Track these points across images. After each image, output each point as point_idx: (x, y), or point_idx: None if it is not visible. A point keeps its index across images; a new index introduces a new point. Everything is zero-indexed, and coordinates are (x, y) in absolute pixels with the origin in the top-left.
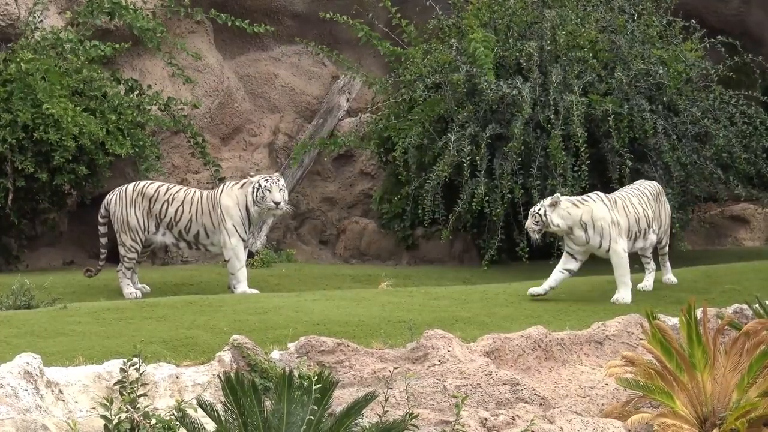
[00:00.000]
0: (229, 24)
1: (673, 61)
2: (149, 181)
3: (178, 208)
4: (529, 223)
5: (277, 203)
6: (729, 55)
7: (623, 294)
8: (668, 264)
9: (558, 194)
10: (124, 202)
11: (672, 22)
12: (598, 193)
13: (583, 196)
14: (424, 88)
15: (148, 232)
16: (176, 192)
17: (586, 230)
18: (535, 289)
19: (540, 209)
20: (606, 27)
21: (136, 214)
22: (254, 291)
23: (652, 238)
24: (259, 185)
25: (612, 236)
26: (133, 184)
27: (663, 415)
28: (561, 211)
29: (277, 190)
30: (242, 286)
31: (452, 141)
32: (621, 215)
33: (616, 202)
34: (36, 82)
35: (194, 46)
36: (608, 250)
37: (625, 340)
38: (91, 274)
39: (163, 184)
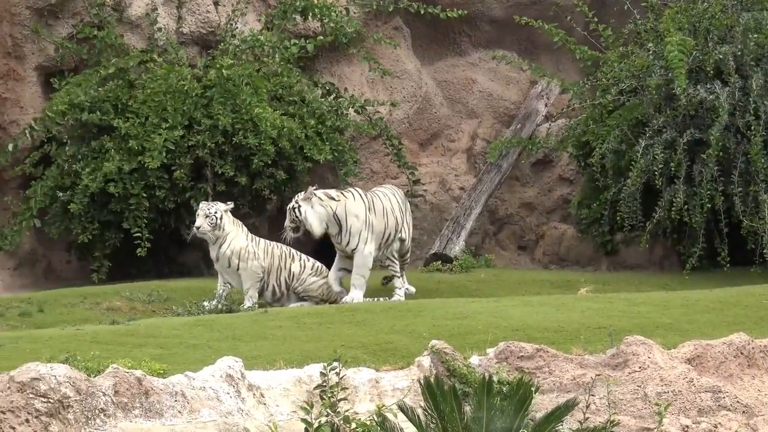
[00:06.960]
0: (422, 12)
1: None
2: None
3: None
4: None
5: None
6: None
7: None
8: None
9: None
10: None
11: None
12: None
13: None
14: (618, 93)
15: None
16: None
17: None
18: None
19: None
20: None
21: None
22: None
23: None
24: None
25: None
26: None
27: None
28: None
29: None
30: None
31: (642, 147)
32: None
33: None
34: (238, 87)
35: (392, 52)
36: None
37: None
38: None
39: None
